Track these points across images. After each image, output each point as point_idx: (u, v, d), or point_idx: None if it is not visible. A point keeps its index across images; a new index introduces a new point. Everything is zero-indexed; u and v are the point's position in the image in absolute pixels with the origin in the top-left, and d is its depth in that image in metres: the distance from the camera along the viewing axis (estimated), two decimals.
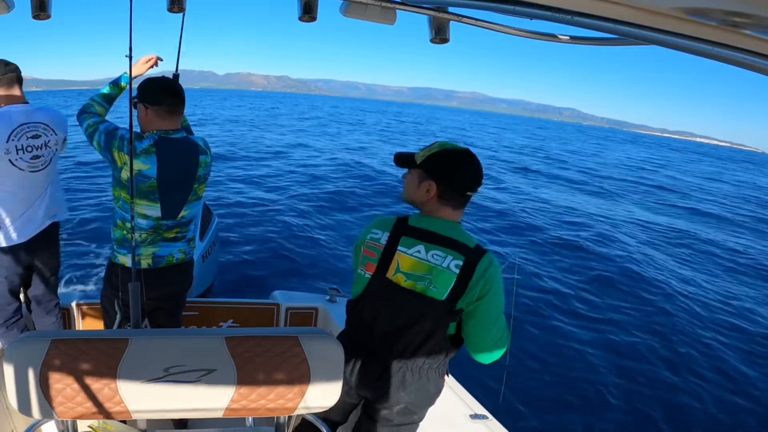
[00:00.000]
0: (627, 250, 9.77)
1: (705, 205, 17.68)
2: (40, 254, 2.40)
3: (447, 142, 1.55)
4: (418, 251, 1.48)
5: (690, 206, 16.80)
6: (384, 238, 1.54)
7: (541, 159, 26.60)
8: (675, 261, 9.70)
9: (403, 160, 1.56)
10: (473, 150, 1.54)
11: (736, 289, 8.59)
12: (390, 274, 1.51)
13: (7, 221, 2.24)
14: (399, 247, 1.51)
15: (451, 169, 1.48)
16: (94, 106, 2.08)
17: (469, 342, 1.54)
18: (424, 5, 1.63)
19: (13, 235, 2.26)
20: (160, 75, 2.16)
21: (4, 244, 2.24)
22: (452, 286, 1.44)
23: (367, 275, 1.56)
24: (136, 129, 1.98)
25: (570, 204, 14.24)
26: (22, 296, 2.47)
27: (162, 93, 1.96)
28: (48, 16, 1.69)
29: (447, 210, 1.52)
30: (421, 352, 1.53)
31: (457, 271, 1.44)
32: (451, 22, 1.67)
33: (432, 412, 2.11)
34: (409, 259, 1.49)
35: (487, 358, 1.54)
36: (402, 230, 1.53)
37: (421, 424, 2.02)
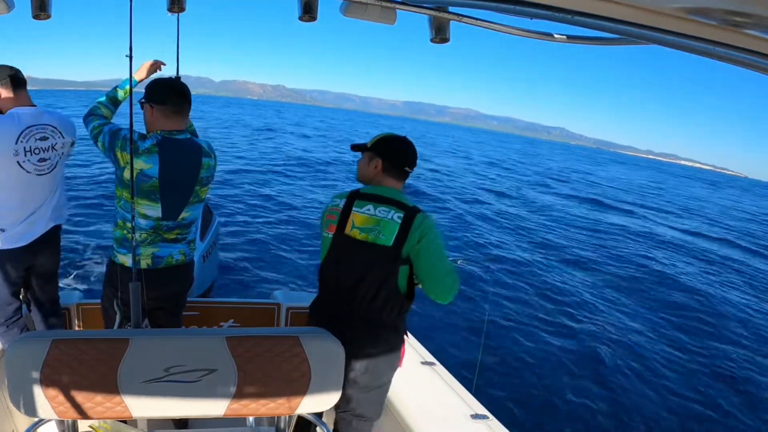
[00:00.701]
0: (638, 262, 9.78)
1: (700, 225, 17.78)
2: (41, 255, 2.39)
3: (391, 132, 1.92)
4: (369, 209, 1.82)
5: (685, 226, 16.87)
6: (342, 203, 1.88)
7: (547, 178, 26.51)
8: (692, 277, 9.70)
9: (358, 147, 1.95)
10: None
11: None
12: (347, 231, 1.83)
13: (12, 224, 2.24)
14: (353, 208, 1.84)
15: (393, 149, 1.88)
16: (101, 108, 2.10)
17: (425, 279, 1.77)
18: (425, 5, 1.63)
19: (17, 238, 2.26)
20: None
21: (7, 246, 2.24)
22: (396, 233, 1.76)
23: (330, 235, 1.87)
24: (142, 130, 2.00)
25: (582, 220, 14.25)
26: (21, 296, 2.47)
27: (168, 93, 1.99)
28: (48, 16, 1.69)
29: (391, 180, 1.88)
30: (375, 304, 1.79)
31: (399, 221, 1.77)
32: (451, 21, 1.67)
33: (432, 412, 2.11)
34: (361, 216, 1.82)
35: (443, 292, 1.76)
36: (356, 196, 1.88)
37: (421, 424, 2.01)
